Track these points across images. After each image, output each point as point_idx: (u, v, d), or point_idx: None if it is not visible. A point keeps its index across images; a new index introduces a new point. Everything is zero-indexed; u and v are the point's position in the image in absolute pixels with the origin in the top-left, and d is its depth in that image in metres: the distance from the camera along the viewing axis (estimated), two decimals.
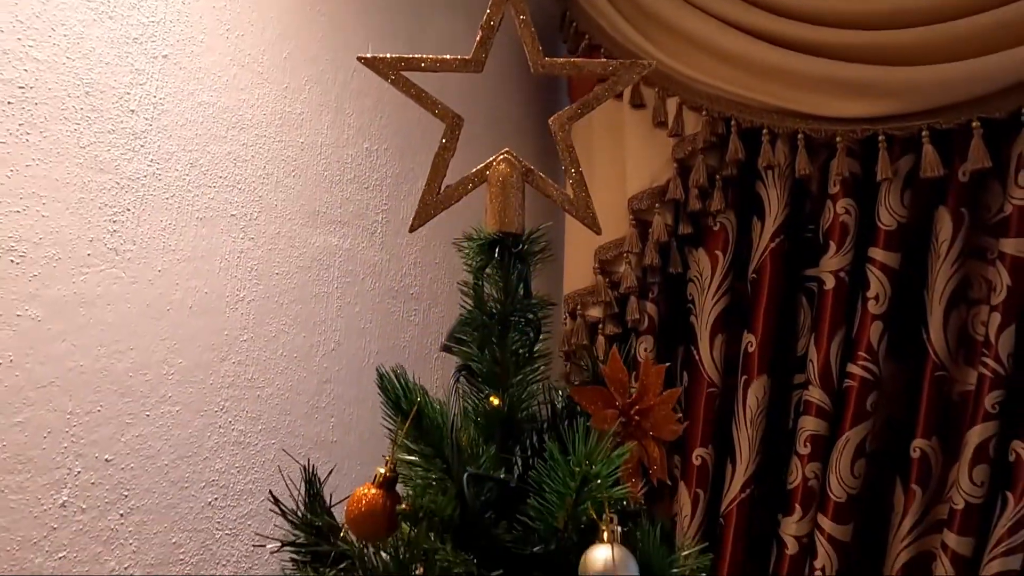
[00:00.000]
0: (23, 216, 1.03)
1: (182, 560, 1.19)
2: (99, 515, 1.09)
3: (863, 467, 1.44)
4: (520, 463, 0.63)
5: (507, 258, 0.65)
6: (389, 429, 0.61)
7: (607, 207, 1.74)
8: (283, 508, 0.68)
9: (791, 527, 1.46)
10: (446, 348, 0.68)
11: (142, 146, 1.17)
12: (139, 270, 1.16)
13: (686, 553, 0.56)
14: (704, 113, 1.59)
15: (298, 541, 0.64)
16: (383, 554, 0.50)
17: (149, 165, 1.19)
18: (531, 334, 0.67)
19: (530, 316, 0.67)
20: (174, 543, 1.18)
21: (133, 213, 1.16)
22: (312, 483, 0.67)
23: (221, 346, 1.27)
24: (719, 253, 1.64)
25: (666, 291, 1.66)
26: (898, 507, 1.43)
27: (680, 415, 0.64)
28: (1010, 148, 1.36)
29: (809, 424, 1.48)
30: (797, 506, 1.47)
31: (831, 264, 1.50)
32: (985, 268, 1.41)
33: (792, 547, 1.46)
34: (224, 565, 1.24)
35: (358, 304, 1.52)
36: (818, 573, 1.42)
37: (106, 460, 1.10)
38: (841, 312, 1.49)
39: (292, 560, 0.59)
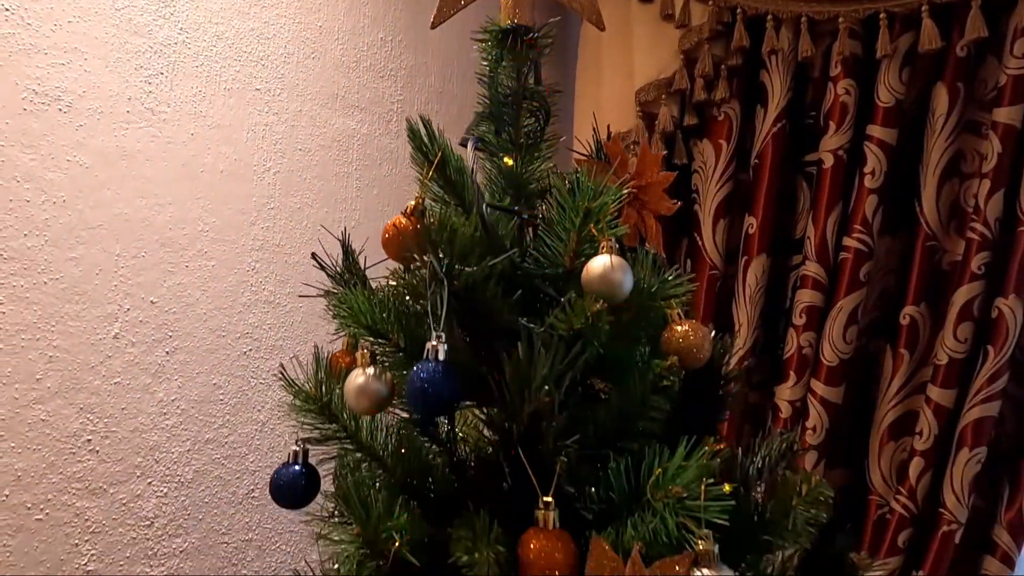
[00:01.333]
0: (67, 69, 1.11)
1: (222, 400, 1.30)
2: (147, 350, 1.20)
3: (855, 333, 1.52)
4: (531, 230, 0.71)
5: (519, 47, 0.71)
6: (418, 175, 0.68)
7: (614, 101, 1.80)
8: (322, 263, 0.77)
9: (785, 392, 1.55)
10: (464, 142, 0.75)
11: (172, 13, 1.24)
12: (173, 131, 1.24)
13: (673, 277, 0.64)
14: (711, 3, 1.63)
15: (333, 291, 0.73)
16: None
17: (179, 33, 1.26)
18: (542, 117, 0.74)
19: (540, 101, 0.74)
20: (214, 384, 1.29)
21: (166, 77, 1.23)
22: (347, 247, 0.76)
23: (250, 211, 1.36)
24: (723, 142, 1.70)
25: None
26: (887, 371, 1.51)
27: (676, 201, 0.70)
28: (1008, 20, 1.39)
29: (805, 296, 1.56)
30: (791, 373, 1.55)
31: (830, 143, 1.55)
32: (979, 142, 1.46)
33: (785, 411, 1.55)
34: (259, 410, 1.35)
35: (376, 188, 1.60)
36: (808, 432, 1.51)
37: (151, 302, 1.21)
38: (838, 189, 1.55)
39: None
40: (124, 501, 1.15)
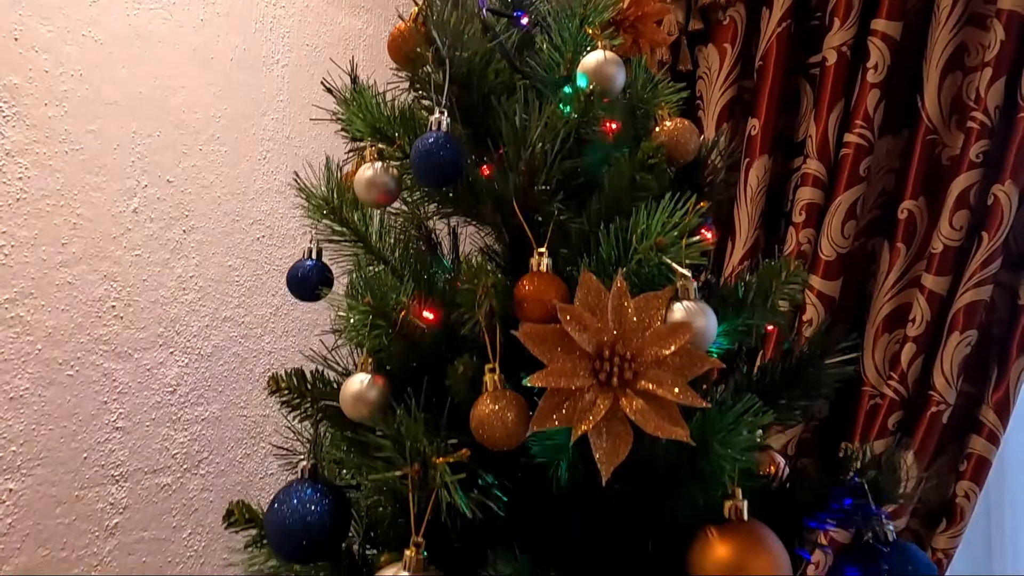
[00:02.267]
0: None
1: (237, 282, 1.35)
2: (166, 226, 1.25)
3: (853, 228, 1.55)
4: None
5: None
6: None
7: None
8: (330, 86, 0.81)
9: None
10: None
11: None
12: (184, 16, 1.27)
13: (665, 85, 0.67)
14: None
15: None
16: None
17: None
18: None
19: None
20: (230, 265, 1.34)
21: None
22: (354, 76, 0.80)
23: (260, 101, 1.39)
24: (727, 46, 1.70)
25: None
26: (883, 265, 1.55)
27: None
28: None
29: (805, 194, 1.58)
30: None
31: (834, 40, 1.56)
32: (983, 35, 1.46)
33: (782, 305, 1.59)
34: (273, 295, 1.41)
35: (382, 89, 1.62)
36: (805, 324, 1.55)
37: (168, 181, 1.25)
38: (841, 86, 1.56)
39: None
40: (148, 367, 1.22)
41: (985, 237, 1.39)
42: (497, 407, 0.51)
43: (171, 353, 1.25)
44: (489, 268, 0.56)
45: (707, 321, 0.54)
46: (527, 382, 0.49)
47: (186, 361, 1.27)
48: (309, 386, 0.66)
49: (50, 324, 1.11)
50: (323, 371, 0.67)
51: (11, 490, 1.06)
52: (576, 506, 0.55)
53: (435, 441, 0.50)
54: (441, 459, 0.48)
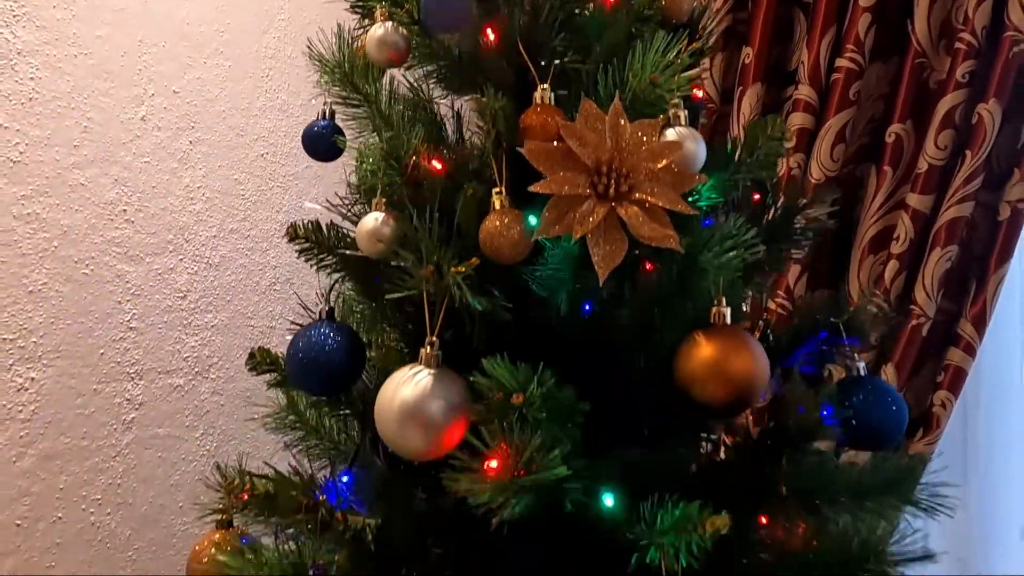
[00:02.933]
0: None
1: (243, 195, 1.39)
2: (172, 136, 1.28)
3: (842, 152, 1.59)
4: None
5: None
6: None
7: None
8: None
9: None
10: None
11: None
12: None
13: None
14: None
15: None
16: None
17: None
18: None
19: None
20: (235, 179, 1.38)
21: None
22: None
23: (262, 19, 1.41)
24: None
25: None
26: (870, 189, 1.59)
27: None
28: None
29: (797, 120, 1.62)
30: (780, 194, 1.63)
31: None
32: None
33: None
34: (278, 211, 1.45)
35: None
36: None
37: (174, 91, 1.28)
38: (834, 10, 1.58)
39: None
40: (159, 272, 1.26)
41: (968, 155, 1.43)
42: (503, 222, 0.55)
43: (181, 260, 1.29)
44: (497, 97, 0.59)
45: (697, 145, 0.58)
46: (532, 189, 0.54)
47: (195, 269, 1.31)
48: (325, 236, 0.71)
49: (65, 223, 1.14)
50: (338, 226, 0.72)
51: (33, 379, 1.11)
52: (574, 331, 0.60)
53: (447, 250, 0.55)
54: (454, 268, 0.53)
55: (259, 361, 0.76)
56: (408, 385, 0.54)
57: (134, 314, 1.23)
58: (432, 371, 0.54)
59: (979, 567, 1.67)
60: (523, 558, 0.59)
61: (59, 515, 1.13)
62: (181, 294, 1.30)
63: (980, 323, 1.48)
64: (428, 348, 0.55)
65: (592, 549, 0.57)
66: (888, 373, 1.50)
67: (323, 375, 0.64)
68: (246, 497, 0.67)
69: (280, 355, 0.77)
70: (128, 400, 1.22)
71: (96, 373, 1.18)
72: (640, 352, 0.60)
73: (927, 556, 0.63)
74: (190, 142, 1.31)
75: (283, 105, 1.46)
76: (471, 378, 0.51)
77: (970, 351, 1.49)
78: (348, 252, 0.69)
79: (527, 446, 0.47)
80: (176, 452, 1.28)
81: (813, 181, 1.60)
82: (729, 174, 0.66)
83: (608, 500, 0.53)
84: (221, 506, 0.73)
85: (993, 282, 1.45)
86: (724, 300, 0.57)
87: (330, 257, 0.70)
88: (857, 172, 1.67)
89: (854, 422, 0.68)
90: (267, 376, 0.79)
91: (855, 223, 1.63)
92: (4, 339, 1.08)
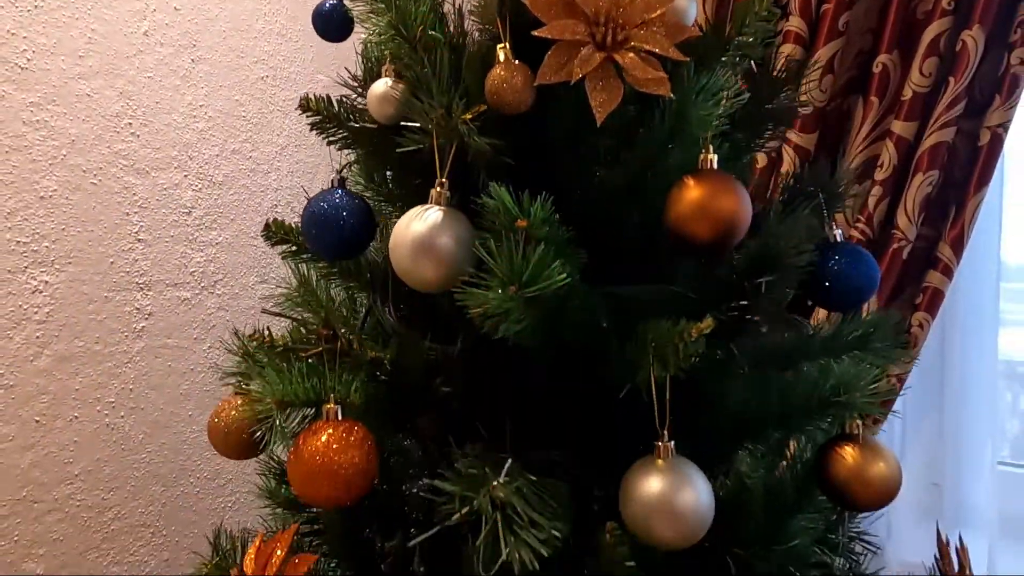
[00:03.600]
0: None
1: (244, 117, 1.41)
2: (175, 53, 1.30)
3: (830, 83, 1.63)
4: None
5: None
6: None
7: None
8: None
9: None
10: None
11: None
12: None
13: None
14: None
15: None
16: None
17: None
18: None
19: None
20: (236, 100, 1.40)
21: None
22: None
23: None
24: None
25: None
26: (857, 120, 1.63)
27: None
28: None
29: (786, 50, 1.65)
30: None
31: None
32: None
33: (761, 160, 1.68)
34: (279, 135, 1.47)
35: None
36: (782, 176, 1.65)
37: (175, 8, 1.29)
38: None
39: None
40: (164, 187, 1.29)
41: (952, 81, 1.47)
42: (507, 73, 0.59)
43: (185, 176, 1.32)
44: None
45: (688, 2, 0.62)
46: (535, 33, 0.58)
47: (200, 186, 1.35)
48: (336, 110, 0.74)
49: (73, 132, 1.17)
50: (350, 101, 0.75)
51: (47, 282, 1.14)
52: (573, 188, 0.64)
53: (455, 95, 0.59)
54: (463, 116, 0.57)
55: (274, 232, 0.81)
56: (420, 220, 0.58)
57: (141, 226, 1.26)
58: (442, 209, 0.59)
59: (952, 494, 1.75)
60: (526, 396, 0.65)
61: (75, 415, 1.18)
62: (186, 210, 1.33)
63: (958, 246, 1.54)
64: (438, 188, 0.59)
65: (590, 384, 0.62)
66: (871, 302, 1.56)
67: (337, 233, 0.68)
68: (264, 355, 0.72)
69: (294, 225, 0.81)
70: (138, 310, 1.26)
71: (107, 281, 1.22)
72: (634, 207, 0.64)
73: (890, 393, 0.69)
74: (192, 60, 1.33)
75: (282, 29, 1.47)
76: (478, 199, 0.56)
77: (948, 273, 1.55)
78: (359, 124, 0.72)
79: (530, 262, 0.51)
80: (185, 363, 1.33)
81: (800, 112, 1.64)
82: (722, 55, 0.69)
83: (603, 323, 0.58)
84: (239, 368, 0.77)
85: (971, 206, 1.51)
86: (711, 148, 0.62)
87: (341, 131, 0.74)
88: (844, 106, 1.71)
89: (829, 284, 0.73)
90: (280, 247, 0.83)
91: (841, 155, 1.68)
92: (18, 242, 1.11)
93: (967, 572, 0.79)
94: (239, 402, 0.79)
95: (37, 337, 1.14)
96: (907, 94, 1.52)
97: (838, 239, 0.76)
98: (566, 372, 0.63)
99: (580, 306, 0.55)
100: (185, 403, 1.33)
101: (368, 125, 0.71)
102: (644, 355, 0.55)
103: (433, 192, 0.59)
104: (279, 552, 0.59)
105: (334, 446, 0.57)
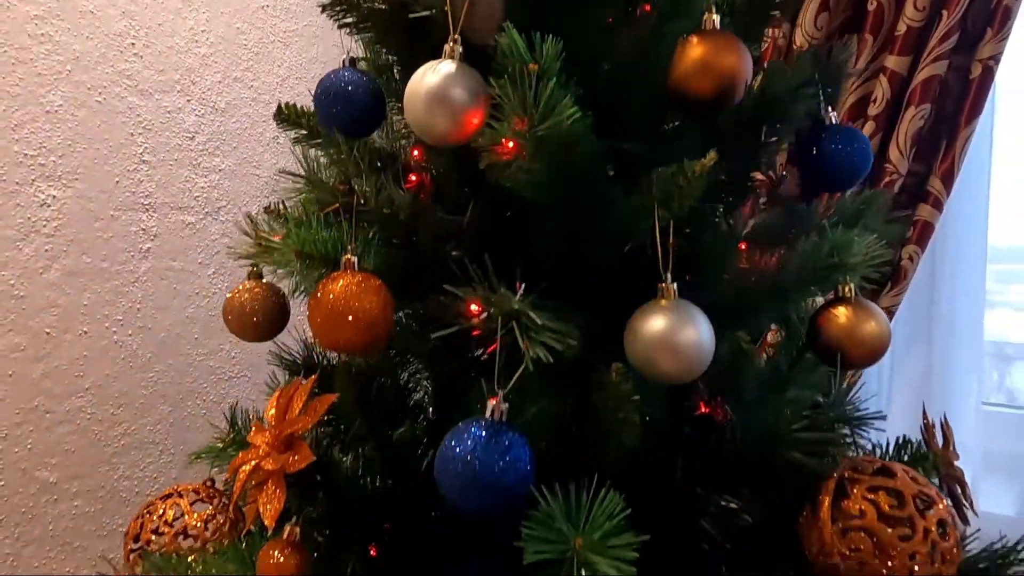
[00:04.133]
0: None
1: (244, 45, 1.42)
2: None
3: (826, 20, 1.65)
4: None
5: None
6: None
7: None
8: None
9: (757, 81, 1.70)
10: None
11: None
12: None
13: None
14: None
15: None
16: None
17: None
18: None
19: None
20: (237, 28, 1.40)
21: None
22: None
23: None
24: None
25: None
26: (852, 57, 1.66)
27: None
28: None
29: None
30: (763, 64, 1.69)
31: None
32: None
33: None
34: (279, 66, 1.48)
35: None
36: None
37: None
38: None
39: None
40: (168, 109, 1.30)
41: (945, 15, 1.49)
42: None
43: (188, 101, 1.33)
44: None
45: None
46: None
47: (202, 112, 1.35)
48: None
49: (77, 48, 1.17)
50: None
51: (54, 196, 1.16)
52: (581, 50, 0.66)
53: None
54: None
55: (287, 115, 0.82)
56: (433, 73, 0.60)
57: (146, 147, 1.27)
58: (455, 62, 0.61)
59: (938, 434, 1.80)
60: (535, 264, 0.67)
61: (84, 329, 1.20)
62: (189, 135, 1.34)
63: (948, 179, 1.57)
64: (451, 44, 0.61)
65: (597, 246, 0.65)
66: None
67: (349, 109, 0.70)
68: (279, 238, 0.74)
69: (305, 108, 0.83)
70: (144, 231, 1.28)
71: (113, 200, 1.23)
72: (641, 79, 0.66)
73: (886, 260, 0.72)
74: None
75: None
76: (493, 40, 0.58)
77: (938, 206, 1.58)
78: (369, 4, 0.74)
79: (541, 100, 0.53)
80: (190, 286, 1.35)
81: (796, 49, 1.66)
82: None
83: (610, 171, 0.60)
84: (253, 250, 0.80)
85: (962, 138, 1.54)
86: (714, 8, 0.64)
87: (351, 14, 0.76)
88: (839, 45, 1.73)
89: (825, 163, 0.76)
90: (292, 132, 0.85)
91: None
92: (25, 155, 1.13)
93: (951, 446, 0.83)
94: (253, 284, 0.82)
95: (46, 250, 1.15)
96: (901, 29, 1.54)
97: (833, 121, 0.79)
98: (573, 234, 0.65)
99: (588, 151, 0.57)
100: (191, 326, 1.35)
101: (378, 5, 0.73)
102: (649, 199, 0.58)
103: (446, 47, 0.61)
104: (298, 396, 0.62)
105: (353, 290, 0.60)
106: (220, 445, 0.80)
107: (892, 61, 1.56)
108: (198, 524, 0.74)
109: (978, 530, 0.72)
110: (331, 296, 0.60)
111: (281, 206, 0.75)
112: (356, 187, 0.63)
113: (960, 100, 1.56)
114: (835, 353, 0.68)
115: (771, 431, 0.63)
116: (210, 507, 0.76)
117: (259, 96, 1.45)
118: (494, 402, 0.52)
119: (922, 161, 1.61)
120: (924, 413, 0.84)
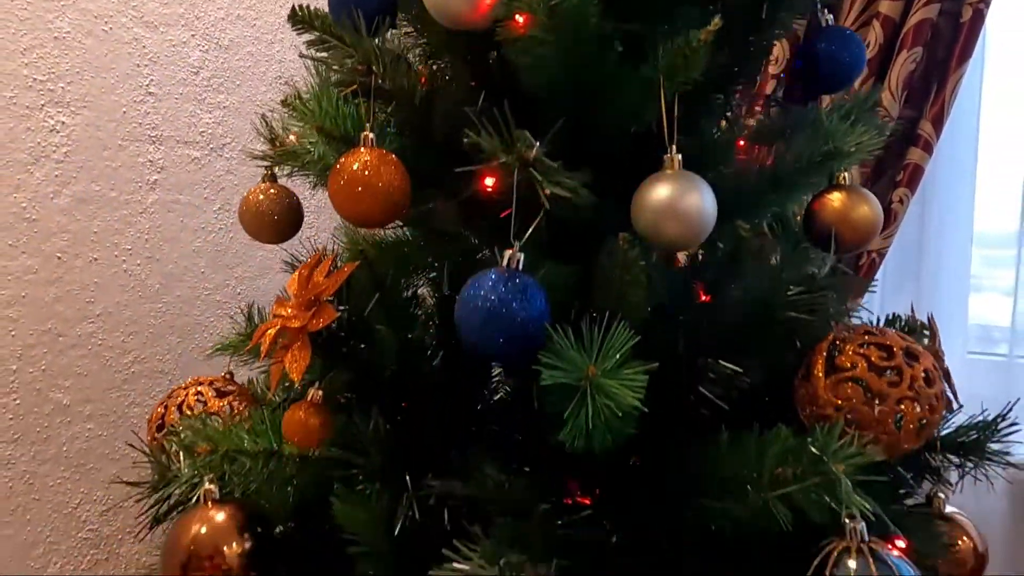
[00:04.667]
0: None
1: None
2: None
3: None
4: None
5: None
6: None
7: None
8: None
9: None
10: None
11: None
12: None
13: None
14: None
15: None
16: None
17: None
18: None
19: None
20: None
21: None
22: None
23: None
24: None
25: None
26: (846, 4, 1.68)
27: None
28: None
29: None
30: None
31: None
32: None
33: None
34: (282, 6, 1.49)
35: None
36: (772, 64, 1.70)
37: None
38: None
39: None
40: (173, 43, 1.31)
41: None
42: None
43: (192, 36, 1.35)
44: None
45: None
46: None
47: (207, 47, 1.37)
48: None
49: None
50: None
51: (63, 123, 1.17)
52: None
53: None
54: None
55: (301, 17, 0.84)
56: None
57: (152, 79, 1.29)
58: None
59: None
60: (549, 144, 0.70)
61: (94, 256, 1.22)
62: (194, 69, 1.35)
63: (938, 122, 1.60)
64: None
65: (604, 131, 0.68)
66: (854, 174, 1.63)
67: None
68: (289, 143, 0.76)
69: (319, 9, 0.85)
70: (151, 162, 1.29)
71: (120, 130, 1.25)
72: None
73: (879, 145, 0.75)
74: None
75: None
76: None
77: (928, 149, 1.62)
78: None
79: None
80: (196, 220, 1.37)
81: None
82: None
83: (619, 48, 0.63)
84: (266, 157, 0.82)
85: (952, 81, 1.57)
86: None
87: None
88: None
89: (820, 64, 0.79)
90: (306, 36, 0.87)
91: None
92: (35, 79, 1.14)
93: (936, 339, 0.87)
94: (268, 186, 0.84)
95: (56, 176, 1.17)
96: None
97: (829, 23, 0.82)
98: (582, 117, 0.68)
99: (596, 26, 0.60)
100: (197, 259, 1.37)
101: None
102: (655, 73, 0.61)
103: None
104: (320, 269, 0.64)
105: (373, 162, 0.62)
106: (239, 339, 0.83)
107: (885, 6, 1.59)
108: (223, 406, 0.77)
109: None
110: (352, 167, 0.63)
111: (296, 99, 0.77)
112: (374, 68, 0.65)
113: (951, 44, 1.59)
114: (830, 237, 0.72)
115: (767, 298, 0.66)
116: (231, 396, 0.79)
117: (262, 35, 1.46)
118: (511, 252, 0.55)
119: (913, 107, 1.65)
120: (912, 309, 0.88)
